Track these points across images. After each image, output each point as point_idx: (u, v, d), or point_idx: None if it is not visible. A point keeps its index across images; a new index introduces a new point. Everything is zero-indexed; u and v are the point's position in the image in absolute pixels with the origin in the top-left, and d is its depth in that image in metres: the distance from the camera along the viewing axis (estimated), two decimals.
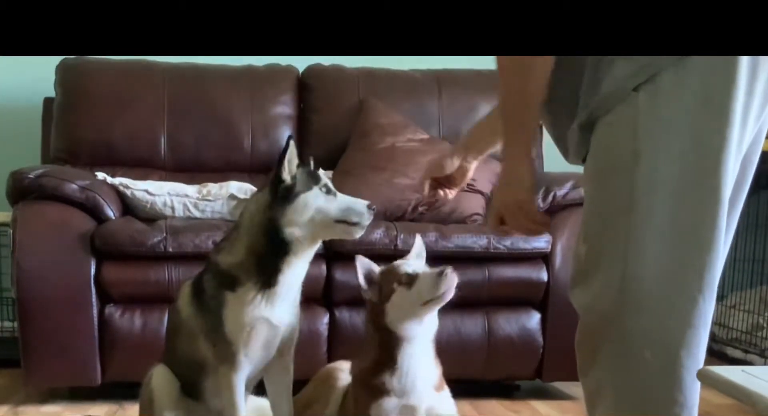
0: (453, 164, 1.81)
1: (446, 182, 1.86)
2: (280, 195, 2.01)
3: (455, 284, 2.03)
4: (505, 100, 1.45)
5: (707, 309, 1.35)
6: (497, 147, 1.84)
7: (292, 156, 2.02)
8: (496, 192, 1.51)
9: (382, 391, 2.07)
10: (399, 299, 2.06)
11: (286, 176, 2.01)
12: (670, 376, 1.35)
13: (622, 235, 1.32)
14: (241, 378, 2.07)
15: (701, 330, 1.35)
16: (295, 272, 2.07)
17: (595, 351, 1.38)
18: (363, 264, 2.09)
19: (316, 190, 2.02)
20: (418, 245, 2.18)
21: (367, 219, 2.04)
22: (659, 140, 1.30)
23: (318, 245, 2.12)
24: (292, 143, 2.02)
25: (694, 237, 1.32)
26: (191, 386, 2.19)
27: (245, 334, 2.04)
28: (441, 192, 1.89)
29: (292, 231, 2.01)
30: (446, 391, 2.17)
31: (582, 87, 1.38)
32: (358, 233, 2.06)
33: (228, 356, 2.05)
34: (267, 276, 2.04)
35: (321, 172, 2.11)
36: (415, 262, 2.14)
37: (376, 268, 2.11)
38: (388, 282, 2.07)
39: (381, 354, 2.08)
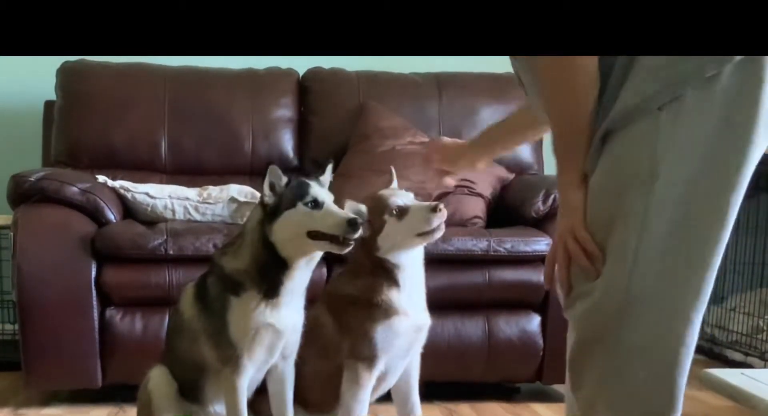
0: (465, 153, 1.86)
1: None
2: (269, 213, 2.03)
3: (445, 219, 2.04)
4: (553, 127, 1.43)
5: (697, 328, 1.36)
6: (504, 152, 1.86)
7: (275, 179, 2.02)
8: (558, 222, 1.48)
9: (389, 311, 2.08)
10: (391, 231, 2.08)
11: (269, 201, 2.02)
12: (666, 396, 1.35)
13: (630, 252, 1.32)
14: (244, 381, 2.07)
15: (691, 348, 1.36)
16: (298, 282, 2.07)
17: (589, 367, 1.38)
18: (352, 207, 2.08)
19: (299, 206, 2.00)
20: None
21: (346, 233, 1.95)
22: (676, 161, 1.30)
23: (318, 257, 2.09)
24: (271, 168, 2.01)
25: (696, 257, 1.32)
26: (190, 388, 2.19)
27: (249, 338, 2.04)
28: (447, 179, 1.94)
29: (284, 248, 2.02)
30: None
31: (602, 97, 1.36)
32: (344, 251, 1.99)
33: (231, 359, 2.05)
34: (269, 287, 2.05)
35: (326, 176, 2.10)
36: (401, 193, 2.15)
37: (364, 208, 2.10)
38: (378, 214, 2.09)
39: (379, 275, 2.10)
